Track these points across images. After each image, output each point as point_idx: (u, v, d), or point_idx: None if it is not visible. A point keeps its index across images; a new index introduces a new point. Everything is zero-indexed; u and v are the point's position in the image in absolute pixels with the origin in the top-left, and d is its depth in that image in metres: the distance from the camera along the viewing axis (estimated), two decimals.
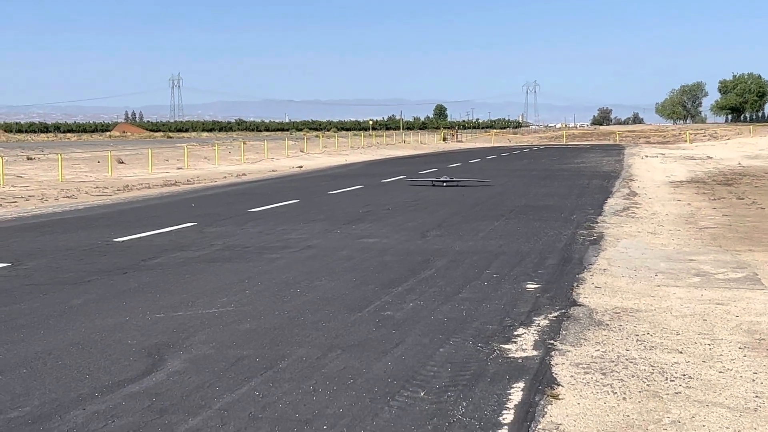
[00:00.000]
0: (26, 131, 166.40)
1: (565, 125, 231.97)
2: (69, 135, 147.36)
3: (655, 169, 40.00)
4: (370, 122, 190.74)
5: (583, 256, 13.53)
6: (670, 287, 10.92)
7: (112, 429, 5.75)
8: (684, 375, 7.14)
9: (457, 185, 28.49)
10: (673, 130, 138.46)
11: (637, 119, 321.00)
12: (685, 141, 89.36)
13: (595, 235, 16.16)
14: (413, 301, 9.95)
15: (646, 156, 55.26)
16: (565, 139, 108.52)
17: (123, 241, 15.43)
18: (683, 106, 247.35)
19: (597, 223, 18.18)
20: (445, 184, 28.53)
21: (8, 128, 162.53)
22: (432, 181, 29.57)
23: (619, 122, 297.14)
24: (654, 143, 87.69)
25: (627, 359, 7.60)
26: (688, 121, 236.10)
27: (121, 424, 5.85)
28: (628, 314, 9.37)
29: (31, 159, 48.25)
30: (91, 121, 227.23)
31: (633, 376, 7.09)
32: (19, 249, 14.46)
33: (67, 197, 26.68)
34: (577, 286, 10.98)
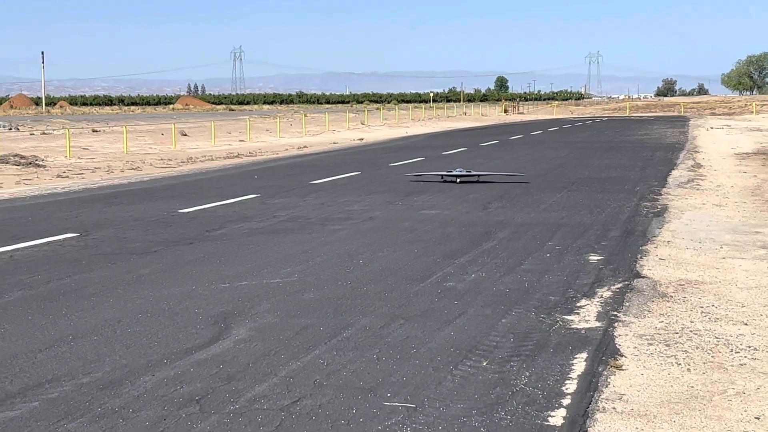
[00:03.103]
0: (91, 104, 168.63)
1: (629, 97, 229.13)
2: (133, 108, 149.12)
3: (720, 141, 39.43)
4: (431, 94, 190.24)
5: (647, 228, 13.43)
6: (736, 259, 10.81)
7: (180, 395, 5.88)
8: (749, 347, 7.10)
9: (477, 180, 20.87)
10: (738, 101, 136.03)
11: (702, 90, 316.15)
12: (752, 112, 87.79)
13: (658, 207, 16.01)
14: (475, 273, 9.97)
15: (711, 128, 54.44)
16: (628, 110, 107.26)
17: (188, 212, 15.64)
18: (749, 77, 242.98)
19: (661, 195, 18.01)
20: (459, 180, 20.65)
21: (74, 101, 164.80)
22: (442, 175, 21.23)
23: (683, 93, 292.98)
24: (719, 115, 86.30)
25: (691, 331, 7.57)
26: (754, 92, 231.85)
27: (189, 390, 5.98)
28: (693, 286, 9.30)
29: (96, 131, 48.92)
30: (155, 94, 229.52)
31: (697, 348, 7.06)
32: (87, 220, 14.73)
33: (132, 169, 27.06)
34: (640, 258, 10.92)
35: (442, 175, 21.20)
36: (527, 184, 20.27)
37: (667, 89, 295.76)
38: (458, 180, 20.57)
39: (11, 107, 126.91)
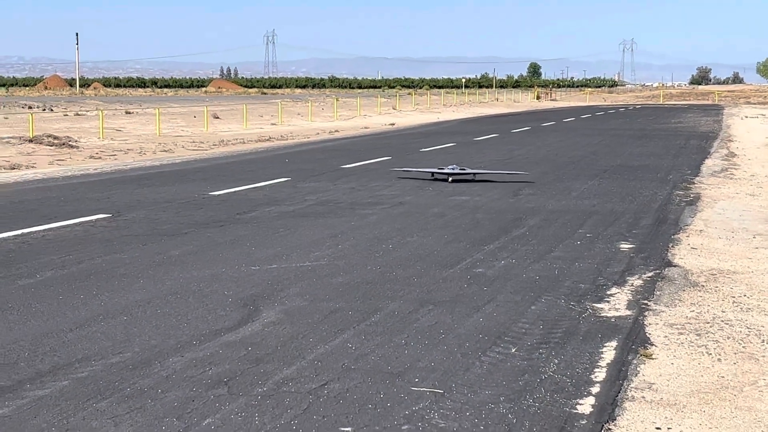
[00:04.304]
0: (124, 86, 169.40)
1: (662, 85, 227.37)
2: (166, 90, 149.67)
3: (754, 130, 39.05)
4: (463, 80, 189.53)
5: (679, 216, 13.33)
6: None
7: (209, 376, 5.90)
8: None
9: (473, 179, 18.07)
10: None
11: (737, 79, 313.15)
12: None
13: (691, 195, 15.89)
14: (505, 259, 9.94)
15: (746, 117, 53.93)
16: (661, 98, 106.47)
17: (219, 194, 15.69)
18: None
19: (694, 183, 17.87)
20: (450, 179, 17.79)
21: (107, 83, 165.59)
22: (433, 172, 18.44)
23: (718, 82, 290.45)
24: (754, 104, 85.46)
25: (722, 321, 7.50)
26: None
27: (218, 371, 6.00)
28: (725, 276, 9.23)
29: (129, 113, 49.16)
30: (187, 77, 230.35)
31: (728, 338, 7.00)
32: (119, 201, 14.81)
33: (165, 151, 27.17)
34: (672, 246, 10.84)
35: (432, 172, 18.47)
36: (558, 172, 20.16)
37: (702, 77, 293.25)
38: (450, 179, 17.72)
39: (45, 88, 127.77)
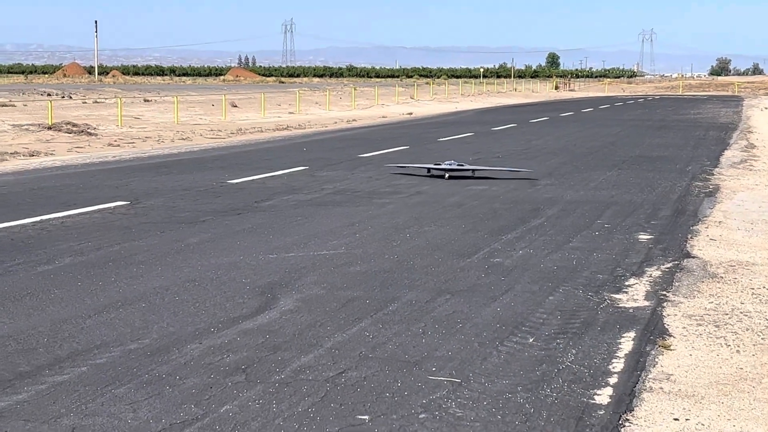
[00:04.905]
0: (143, 74, 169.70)
1: (682, 75, 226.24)
2: (184, 78, 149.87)
3: None
4: (481, 70, 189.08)
5: (698, 208, 13.27)
6: None
7: (227, 363, 5.91)
8: None
9: (472, 176, 17.05)
10: None
11: (757, 70, 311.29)
12: None
13: (710, 187, 15.82)
14: (522, 249, 9.92)
15: (766, 108, 53.61)
16: (681, 89, 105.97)
17: (236, 182, 15.71)
18: None
19: (713, 175, 17.79)
20: (447, 175, 16.76)
21: (126, 71, 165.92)
22: (429, 168, 17.34)
23: (738, 73, 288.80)
24: None
25: (741, 312, 7.47)
26: None
27: (236, 358, 6.01)
28: (744, 267, 9.18)
29: (148, 101, 49.27)
30: (206, 65, 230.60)
31: (747, 330, 6.97)
32: (138, 188, 14.85)
33: (183, 139, 27.23)
34: (691, 238, 10.80)
35: (428, 168, 17.37)
36: (577, 162, 20.09)
37: (722, 68, 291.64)
38: (447, 176, 16.72)
39: (64, 75, 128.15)
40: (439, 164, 17.28)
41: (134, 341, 6.37)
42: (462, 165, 17.38)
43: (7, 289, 7.84)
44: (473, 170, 17.23)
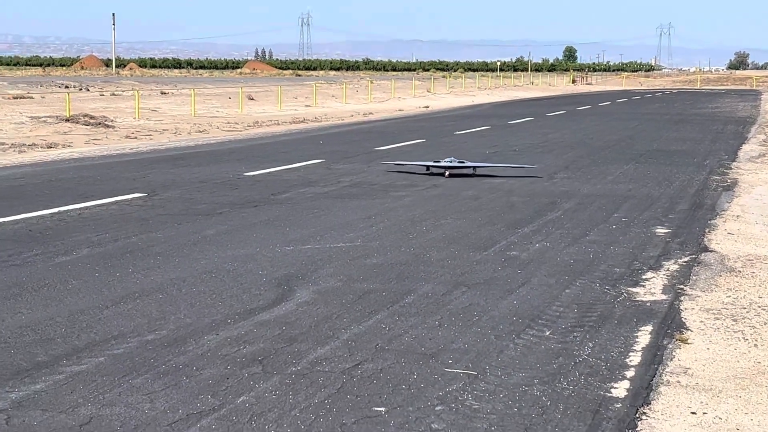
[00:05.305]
0: (160, 66, 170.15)
1: (700, 69, 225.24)
2: (201, 71, 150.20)
3: None
4: (498, 63, 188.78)
5: (716, 202, 13.22)
6: None
7: (244, 354, 5.92)
8: None
9: (473, 173, 16.20)
10: None
11: None
12: None
13: (728, 181, 15.75)
14: (539, 242, 9.90)
15: None
16: (699, 83, 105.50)
17: (253, 175, 15.73)
18: None
19: (731, 169, 17.71)
20: (447, 173, 15.91)
21: (143, 63, 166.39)
22: (428, 165, 16.58)
23: (756, 67, 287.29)
24: None
25: (759, 306, 7.43)
26: None
27: (252, 350, 6.02)
28: (762, 261, 9.14)
29: (164, 94, 49.36)
30: (222, 58, 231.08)
31: (765, 324, 6.94)
32: (155, 180, 14.89)
33: (199, 132, 27.27)
34: (708, 231, 10.75)
35: (428, 166, 16.61)
36: (594, 156, 20.02)
37: (740, 62, 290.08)
38: (447, 173, 15.89)
39: (82, 68, 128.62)
40: (439, 161, 16.59)
41: (151, 332, 6.39)
42: (463, 162, 16.57)
43: (25, 279, 7.88)
44: (474, 167, 16.46)
